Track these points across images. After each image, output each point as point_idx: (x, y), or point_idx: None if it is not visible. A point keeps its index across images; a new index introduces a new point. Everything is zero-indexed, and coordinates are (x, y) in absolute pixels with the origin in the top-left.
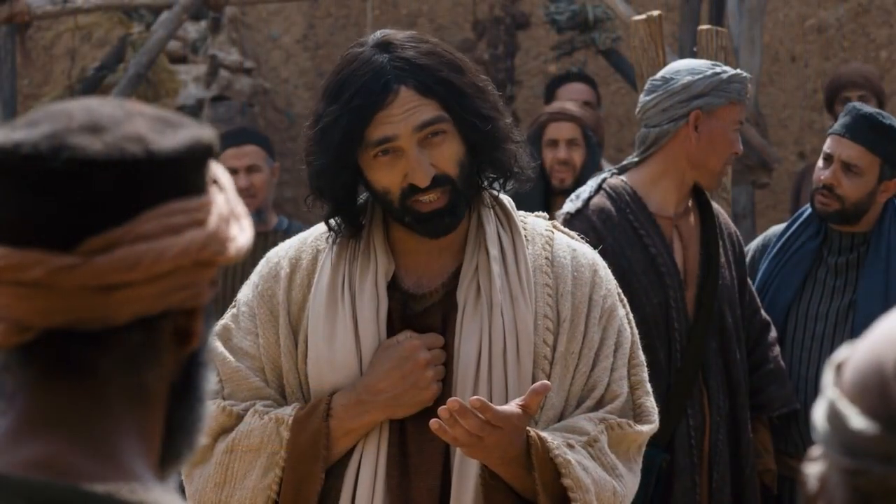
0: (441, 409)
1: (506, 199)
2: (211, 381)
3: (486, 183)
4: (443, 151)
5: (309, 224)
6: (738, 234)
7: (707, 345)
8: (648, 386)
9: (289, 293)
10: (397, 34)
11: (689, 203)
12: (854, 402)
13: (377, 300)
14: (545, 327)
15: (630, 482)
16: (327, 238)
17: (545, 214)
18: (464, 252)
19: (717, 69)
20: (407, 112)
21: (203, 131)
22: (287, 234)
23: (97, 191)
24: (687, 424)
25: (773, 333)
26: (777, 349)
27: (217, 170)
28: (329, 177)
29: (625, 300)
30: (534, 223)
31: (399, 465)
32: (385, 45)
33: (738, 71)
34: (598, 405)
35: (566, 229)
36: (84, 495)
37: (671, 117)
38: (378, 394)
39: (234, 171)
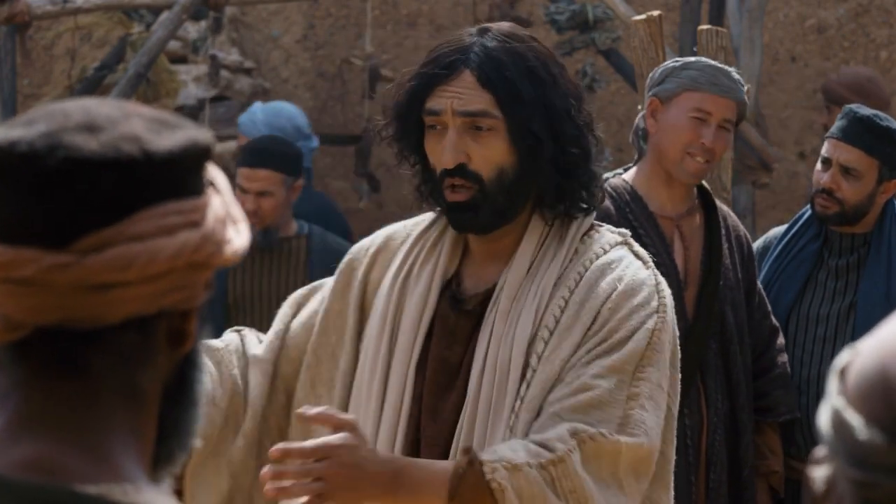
0: (263, 472)
1: (576, 223)
2: (204, 383)
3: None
4: (482, 148)
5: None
6: (748, 236)
7: (707, 345)
8: (648, 404)
9: (370, 270)
10: (503, 26)
11: (695, 203)
12: (858, 410)
13: (425, 300)
14: (541, 337)
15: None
16: (429, 224)
17: (627, 232)
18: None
19: (680, 59)
20: (458, 93)
21: (200, 133)
22: (310, 238)
23: (92, 190)
24: (683, 423)
25: (782, 340)
26: (785, 356)
27: (214, 172)
28: (402, 128)
29: (671, 332)
30: (601, 237)
31: (412, 440)
32: (482, 31)
33: (701, 59)
34: (570, 395)
35: (638, 247)
36: (77, 497)
37: (641, 110)
38: None
39: (244, 191)
